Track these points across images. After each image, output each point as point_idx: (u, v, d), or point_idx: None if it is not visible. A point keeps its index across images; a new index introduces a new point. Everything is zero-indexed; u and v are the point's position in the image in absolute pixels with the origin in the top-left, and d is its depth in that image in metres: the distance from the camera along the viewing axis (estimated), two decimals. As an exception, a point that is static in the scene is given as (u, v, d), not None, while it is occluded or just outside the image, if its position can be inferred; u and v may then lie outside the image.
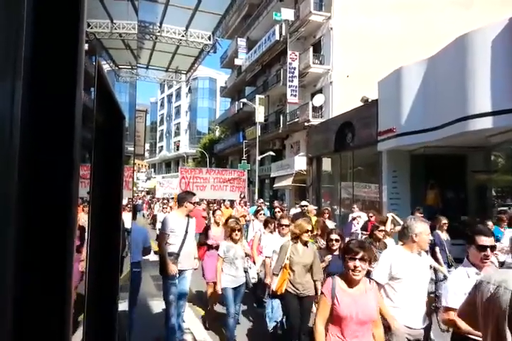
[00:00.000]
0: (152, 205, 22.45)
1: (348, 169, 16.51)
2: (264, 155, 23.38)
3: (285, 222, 5.65)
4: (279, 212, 8.11)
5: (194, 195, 5.34)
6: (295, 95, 21.15)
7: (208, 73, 49.91)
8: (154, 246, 6.19)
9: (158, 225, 12.50)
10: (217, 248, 5.71)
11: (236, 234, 5.00)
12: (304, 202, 10.06)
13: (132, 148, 2.76)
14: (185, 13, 5.52)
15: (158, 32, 6.00)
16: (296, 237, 4.49)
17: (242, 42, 29.57)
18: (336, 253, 4.73)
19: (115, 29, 1.53)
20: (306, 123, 20.23)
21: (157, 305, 6.35)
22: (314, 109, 20.40)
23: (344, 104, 16.71)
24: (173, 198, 18.83)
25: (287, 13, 21.77)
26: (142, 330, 5.01)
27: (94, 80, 1.11)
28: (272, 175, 23.73)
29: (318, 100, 20.01)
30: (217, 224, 6.33)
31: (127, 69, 2.26)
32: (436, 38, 13.66)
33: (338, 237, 4.84)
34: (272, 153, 23.26)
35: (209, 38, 6.36)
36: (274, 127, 24.72)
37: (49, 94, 0.83)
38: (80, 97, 0.89)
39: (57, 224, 0.82)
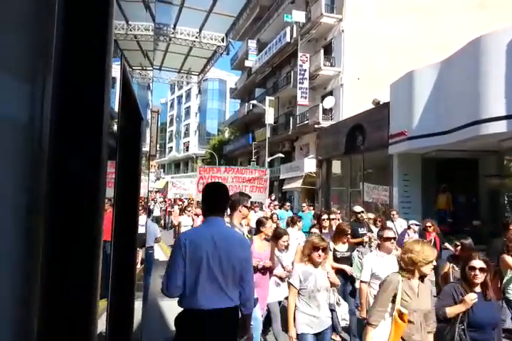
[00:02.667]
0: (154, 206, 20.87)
1: (358, 172, 16.40)
2: (273, 157, 23.36)
3: (391, 234, 4.25)
4: (328, 219, 6.39)
5: (249, 197, 4.33)
6: (305, 97, 21.12)
7: (218, 74, 50.06)
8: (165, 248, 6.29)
9: (183, 230, 11.11)
10: (262, 270, 4.49)
11: (319, 255, 3.52)
12: (358, 208, 7.87)
13: (146, 149, 2.79)
14: (199, 15, 5.56)
15: (172, 33, 6.05)
16: (411, 270, 2.80)
17: (252, 44, 29.62)
18: (479, 289, 3.10)
19: (132, 31, 1.55)
20: (316, 126, 20.18)
21: (167, 306, 6.37)
22: (324, 111, 20.34)
23: (355, 106, 16.63)
24: (188, 199, 18.46)
25: (298, 15, 21.76)
26: (153, 330, 5.03)
27: (120, 82, 1.13)
28: (281, 177, 23.69)
29: (328, 102, 19.96)
30: (266, 237, 4.79)
31: (144, 71, 2.29)
32: (448, 41, 13.59)
33: (484, 265, 3.10)
34: (281, 154, 23.24)
35: (222, 40, 6.40)
36: (284, 129, 24.69)
37: (77, 95, 0.85)
38: (107, 99, 0.91)
39: (86, 219, 0.84)
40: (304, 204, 13.50)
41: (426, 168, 12.83)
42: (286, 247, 5.06)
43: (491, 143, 10.03)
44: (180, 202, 18.05)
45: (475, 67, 9.30)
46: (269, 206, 12.41)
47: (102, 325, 1.03)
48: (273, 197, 12.49)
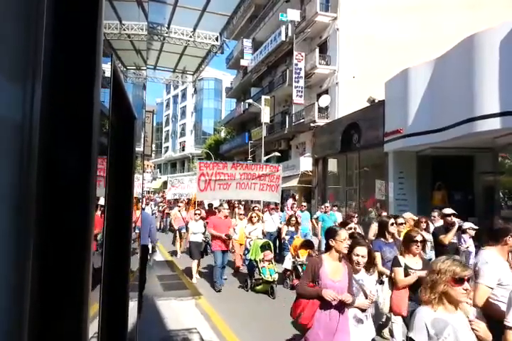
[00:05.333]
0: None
1: (354, 170, 16.46)
2: (269, 156, 23.36)
3: None
4: (394, 224, 5.03)
5: None
6: (301, 96, 21.12)
7: (213, 74, 49.99)
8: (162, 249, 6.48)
9: (192, 237, 8.80)
10: (339, 308, 3.11)
11: (465, 291, 2.22)
12: (449, 210, 6.52)
13: (140, 149, 2.78)
14: (193, 14, 5.55)
15: (166, 33, 6.04)
16: None
17: (247, 43, 29.59)
18: None
19: (124, 30, 1.55)
20: (311, 124, 20.20)
21: (162, 305, 6.37)
22: (320, 109, 20.36)
23: (350, 104, 16.67)
24: (190, 199, 16.80)
25: (293, 14, 21.76)
26: (148, 329, 5.03)
27: (110, 81, 1.13)
28: (277, 176, 23.66)
29: (324, 101, 19.98)
30: (339, 256, 3.32)
31: (137, 71, 2.28)
32: (443, 39, 13.61)
33: None
34: (277, 153, 23.23)
35: (216, 39, 6.39)
36: (280, 128, 24.70)
37: (67, 95, 0.84)
38: (97, 98, 0.90)
39: (77, 218, 0.84)
40: (328, 204, 11.62)
41: (421, 165, 12.89)
42: (367, 267, 3.65)
43: (486, 140, 10.08)
44: (180, 204, 17.03)
45: (469, 65, 9.34)
46: (292, 207, 10.81)
47: (95, 324, 1.03)
48: (297, 197, 10.48)
